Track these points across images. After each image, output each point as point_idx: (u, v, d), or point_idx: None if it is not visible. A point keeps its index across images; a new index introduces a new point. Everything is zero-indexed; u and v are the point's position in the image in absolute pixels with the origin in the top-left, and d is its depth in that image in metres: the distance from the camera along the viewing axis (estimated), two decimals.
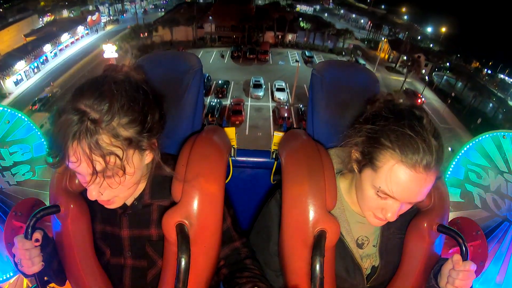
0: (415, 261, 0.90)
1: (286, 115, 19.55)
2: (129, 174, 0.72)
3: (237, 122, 19.71)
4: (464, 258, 0.78)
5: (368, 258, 0.94)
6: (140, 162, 0.76)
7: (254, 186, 1.41)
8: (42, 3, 30.01)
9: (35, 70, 24.25)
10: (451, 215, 1.40)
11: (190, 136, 0.94)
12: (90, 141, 0.64)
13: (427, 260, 0.90)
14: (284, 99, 22.39)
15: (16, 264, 0.81)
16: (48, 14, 29.31)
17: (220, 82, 23.82)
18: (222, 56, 30.95)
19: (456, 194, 1.42)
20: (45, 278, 0.84)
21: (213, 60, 30.00)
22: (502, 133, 1.33)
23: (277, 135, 1.26)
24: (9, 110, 1.33)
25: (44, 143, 1.37)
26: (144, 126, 0.72)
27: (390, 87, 25.14)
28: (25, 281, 1.59)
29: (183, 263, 0.73)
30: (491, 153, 1.35)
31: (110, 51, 22.30)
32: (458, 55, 27.58)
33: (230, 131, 1.24)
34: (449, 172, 1.44)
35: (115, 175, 0.70)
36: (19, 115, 1.34)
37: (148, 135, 0.73)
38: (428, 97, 25.85)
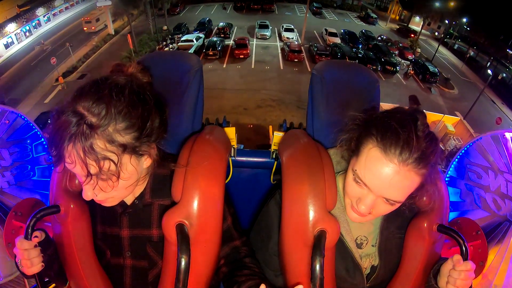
0: (415, 261, 0.90)
1: (297, 48, 18.92)
2: (123, 179, 0.72)
3: (242, 56, 18.90)
4: (464, 258, 0.78)
5: (367, 257, 0.94)
6: (137, 166, 0.75)
7: (254, 186, 1.41)
8: None
9: (27, 34, 23.68)
10: (451, 215, 1.40)
11: (190, 136, 0.94)
12: (84, 145, 0.64)
13: (427, 260, 0.90)
14: (293, 38, 21.56)
15: (17, 265, 0.81)
16: None
17: (222, 23, 22.94)
18: (224, 8, 30.17)
19: (456, 194, 1.42)
20: (46, 279, 0.84)
21: (214, 12, 29.32)
22: (502, 133, 1.34)
23: (277, 135, 1.26)
24: (9, 110, 1.33)
25: (44, 142, 1.37)
26: (142, 132, 0.71)
27: (402, 41, 25.10)
28: None
29: (183, 263, 0.73)
30: (491, 153, 1.35)
31: None
32: (468, 28, 27.00)
33: (230, 131, 1.24)
34: (449, 172, 1.44)
35: (108, 179, 0.70)
36: (19, 115, 1.34)
37: (146, 141, 0.73)
38: (444, 54, 25.77)
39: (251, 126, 12.74)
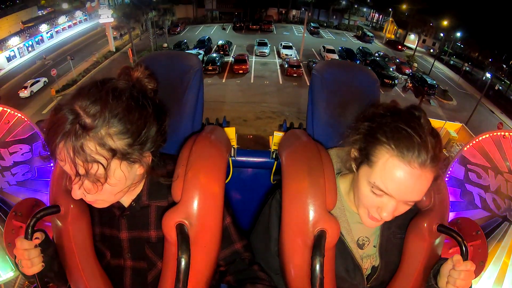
0: (415, 261, 0.90)
1: (296, 63, 19.21)
2: (110, 184, 0.71)
3: (241, 71, 19.03)
4: (464, 258, 0.78)
5: (368, 258, 0.94)
6: (127, 173, 0.74)
7: (254, 186, 1.41)
8: (42, 2, 29.90)
9: (30, 49, 24.25)
10: (451, 215, 1.40)
11: (190, 136, 0.94)
12: (74, 145, 0.64)
13: (427, 260, 0.90)
14: (292, 55, 21.91)
15: (17, 265, 0.81)
16: (48, 8, 29.28)
17: (221, 41, 23.60)
18: (224, 29, 30.97)
19: (456, 194, 1.42)
20: (45, 279, 0.84)
21: (214, 32, 30.04)
22: (502, 133, 1.34)
23: (277, 135, 1.26)
24: (9, 110, 1.33)
25: (44, 141, 1.37)
26: (136, 139, 0.71)
27: (399, 56, 25.76)
28: None
29: (183, 263, 0.73)
30: (491, 153, 1.35)
31: (106, 16, 22.43)
32: (461, 45, 28.04)
33: (230, 131, 1.24)
34: (449, 172, 1.44)
35: (94, 182, 0.69)
36: (19, 115, 1.34)
37: (139, 148, 0.72)
38: (441, 68, 26.64)
39: (251, 136, 12.65)
